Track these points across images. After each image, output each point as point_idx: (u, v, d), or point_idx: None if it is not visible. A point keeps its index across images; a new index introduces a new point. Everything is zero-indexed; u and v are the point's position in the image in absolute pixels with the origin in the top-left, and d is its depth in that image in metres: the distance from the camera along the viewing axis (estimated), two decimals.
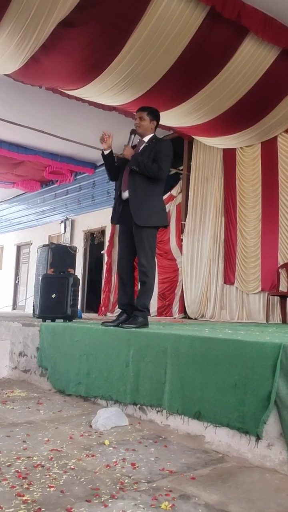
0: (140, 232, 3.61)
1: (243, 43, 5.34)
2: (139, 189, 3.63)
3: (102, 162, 8.63)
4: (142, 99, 5.83)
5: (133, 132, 3.77)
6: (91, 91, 5.92)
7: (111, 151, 3.83)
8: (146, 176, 3.61)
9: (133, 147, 3.79)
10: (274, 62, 5.61)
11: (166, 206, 7.66)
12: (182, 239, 8.29)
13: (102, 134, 3.76)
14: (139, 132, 3.78)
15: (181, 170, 8.58)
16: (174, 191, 8.68)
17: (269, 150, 7.18)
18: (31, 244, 13.00)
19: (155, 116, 3.83)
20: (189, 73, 5.62)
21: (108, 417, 2.66)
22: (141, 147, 3.76)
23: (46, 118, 7.86)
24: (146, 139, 3.79)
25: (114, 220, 3.84)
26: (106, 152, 3.80)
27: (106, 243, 9.93)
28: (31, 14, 4.39)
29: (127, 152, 3.67)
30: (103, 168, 10.24)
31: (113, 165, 3.88)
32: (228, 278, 7.51)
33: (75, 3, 4.43)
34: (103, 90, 5.83)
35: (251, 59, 5.52)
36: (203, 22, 4.98)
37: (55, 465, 1.98)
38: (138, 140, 3.83)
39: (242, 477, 1.93)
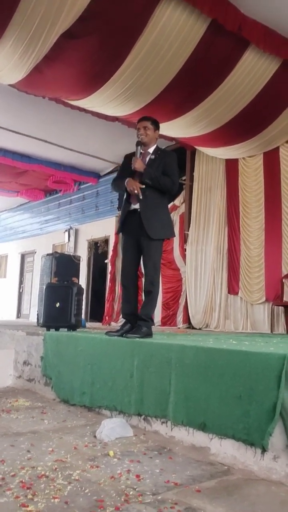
0: (150, 244, 3.64)
1: (244, 55, 5.37)
2: (150, 201, 3.65)
3: (106, 172, 8.74)
4: (145, 110, 5.86)
5: (139, 144, 3.77)
6: (94, 102, 5.97)
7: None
8: (156, 188, 3.64)
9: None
10: (275, 73, 5.63)
11: None
12: (185, 249, 8.29)
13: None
14: (144, 141, 3.78)
15: (184, 180, 8.61)
16: (177, 201, 8.71)
17: (271, 161, 7.21)
18: (35, 253, 13.03)
19: (157, 126, 3.88)
20: (191, 84, 5.66)
21: (112, 427, 2.65)
22: (147, 159, 3.77)
23: (50, 128, 7.92)
24: (150, 150, 3.81)
25: (120, 230, 3.87)
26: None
27: (110, 252, 9.95)
28: (34, 25, 4.44)
29: (139, 165, 3.66)
30: (107, 178, 10.40)
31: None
32: (232, 288, 7.49)
33: (77, 15, 4.48)
34: (106, 101, 5.88)
35: (252, 71, 5.55)
36: (205, 34, 5.01)
37: (60, 475, 1.98)
38: (142, 151, 3.81)
39: (248, 490, 1.91)
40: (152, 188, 3.64)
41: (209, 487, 1.92)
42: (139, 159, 3.68)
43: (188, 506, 1.70)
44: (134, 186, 3.63)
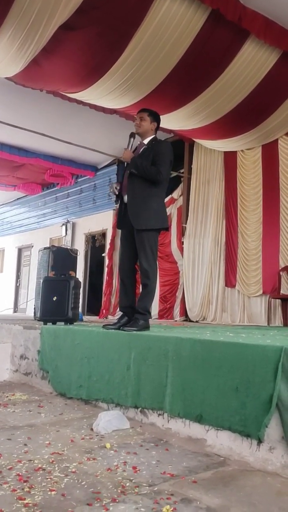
0: (140, 235, 3.61)
1: (244, 46, 5.34)
2: (138, 192, 3.63)
3: (103, 165, 8.76)
4: (143, 102, 5.83)
5: (132, 135, 3.77)
6: (92, 94, 5.93)
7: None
8: (145, 179, 3.61)
9: (134, 151, 3.79)
10: (275, 65, 5.61)
11: (167, 209, 7.66)
12: (183, 242, 8.28)
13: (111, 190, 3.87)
14: (139, 132, 3.78)
15: (182, 173, 8.58)
16: (175, 194, 8.69)
17: (270, 153, 7.18)
18: (32, 247, 13.00)
19: (156, 117, 3.83)
20: (190, 76, 5.63)
21: (109, 420, 2.65)
22: (141, 150, 3.76)
23: (47, 121, 7.87)
24: (146, 141, 3.80)
25: (117, 225, 3.88)
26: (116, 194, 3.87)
27: (107, 246, 9.93)
28: (32, 18, 4.40)
29: (126, 156, 3.67)
30: (104, 171, 10.37)
31: None
32: (230, 281, 7.50)
33: (75, 6, 4.44)
34: (104, 93, 5.84)
35: (252, 62, 5.53)
36: (204, 25, 4.98)
37: (56, 468, 1.98)
38: (138, 143, 3.83)
39: (243, 481, 1.92)
40: (140, 179, 3.62)
41: (205, 478, 1.93)
42: (128, 150, 3.70)
43: (184, 497, 1.71)
44: (113, 186, 3.80)
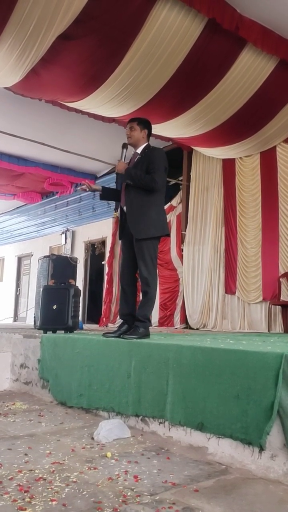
0: (139, 244, 3.62)
1: (241, 54, 5.38)
2: (135, 202, 3.64)
3: (103, 173, 8.78)
4: (142, 111, 5.87)
5: (124, 146, 3.76)
6: (91, 103, 5.97)
7: (102, 188, 4.00)
8: (141, 188, 3.62)
9: (130, 161, 3.80)
10: (272, 72, 5.65)
11: (167, 216, 7.68)
12: (182, 249, 8.29)
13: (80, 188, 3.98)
14: (130, 142, 3.78)
15: (181, 180, 8.61)
16: (174, 202, 8.71)
17: (268, 160, 7.21)
18: (32, 255, 13.01)
19: (146, 125, 3.81)
20: (188, 84, 5.67)
21: (110, 429, 2.64)
22: (135, 159, 3.77)
23: (46, 130, 7.91)
24: (139, 150, 3.78)
25: (118, 235, 3.90)
26: (101, 193, 3.97)
27: (107, 254, 9.93)
28: (31, 28, 4.45)
29: (120, 167, 3.68)
30: (104, 179, 10.40)
31: (115, 194, 4.02)
32: (229, 287, 7.50)
33: (74, 16, 4.48)
34: (103, 102, 5.88)
35: (249, 70, 5.56)
36: (201, 34, 5.02)
37: (57, 478, 1.97)
38: (132, 153, 3.83)
39: (245, 489, 1.91)
40: (137, 188, 3.63)
41: (207, 486, 1.92)
42: (121, 161, 3.71)
43: (186, 506, 1.70)
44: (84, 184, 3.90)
